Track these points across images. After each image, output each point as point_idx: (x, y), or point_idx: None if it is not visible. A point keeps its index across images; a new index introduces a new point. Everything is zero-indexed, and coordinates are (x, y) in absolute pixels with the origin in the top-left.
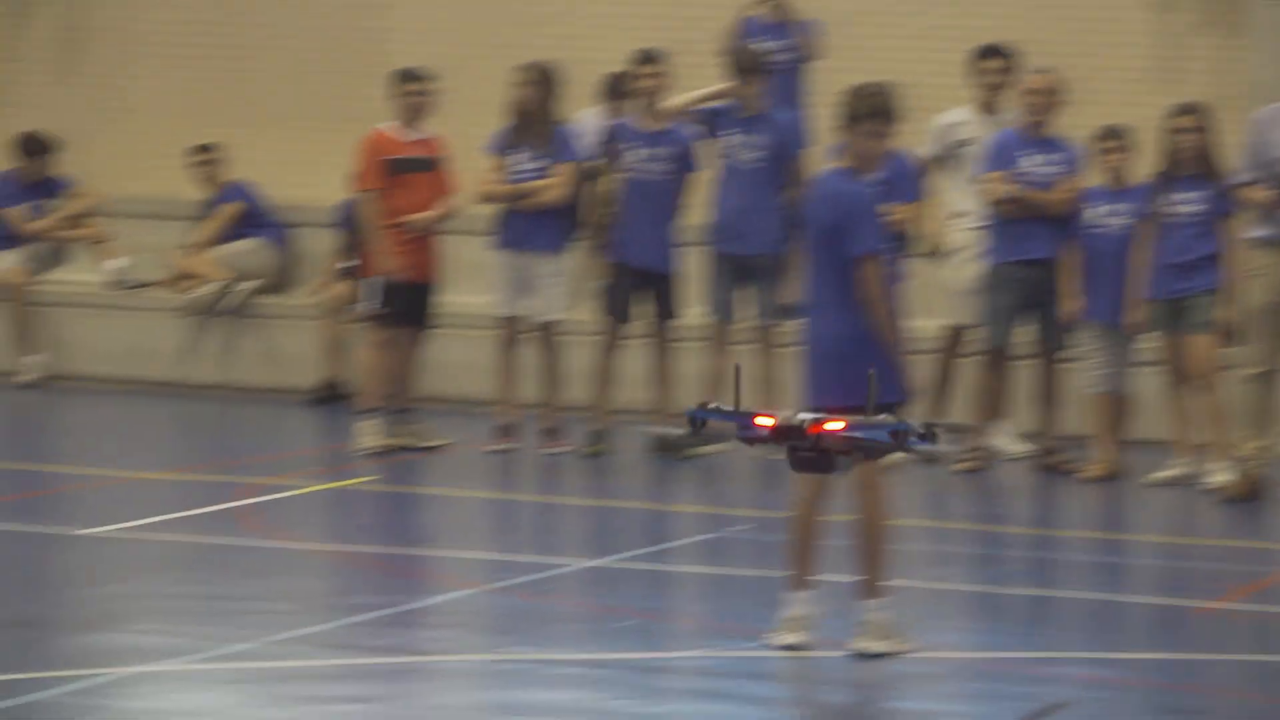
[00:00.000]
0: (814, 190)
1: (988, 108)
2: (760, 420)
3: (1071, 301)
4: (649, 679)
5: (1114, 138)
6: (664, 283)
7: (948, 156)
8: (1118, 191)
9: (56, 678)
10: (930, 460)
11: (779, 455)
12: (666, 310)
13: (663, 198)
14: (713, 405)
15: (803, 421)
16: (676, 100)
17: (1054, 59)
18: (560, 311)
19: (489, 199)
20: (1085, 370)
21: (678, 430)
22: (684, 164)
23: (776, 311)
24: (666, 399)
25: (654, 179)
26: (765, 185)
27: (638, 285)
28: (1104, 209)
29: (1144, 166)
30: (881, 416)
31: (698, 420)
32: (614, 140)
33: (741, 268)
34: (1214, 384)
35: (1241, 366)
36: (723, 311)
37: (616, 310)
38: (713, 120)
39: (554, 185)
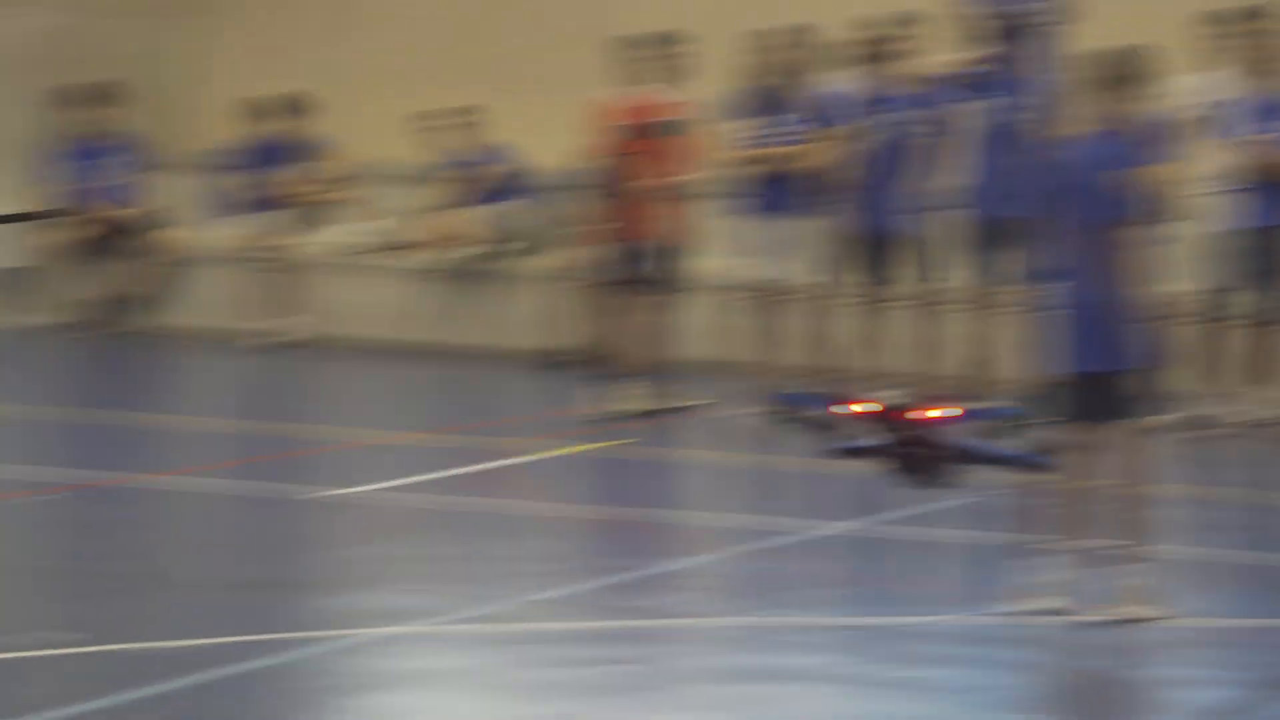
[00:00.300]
0: (1070, 154)
1: (1243, 70)
2: (860, 407)
3: None
4: (903, 644)
5: None
6: (919, 246)
7: (1202, 118)
8: None
9: (310, 638)
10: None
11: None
12: (922, 274)
13: (918, 161)
14: (807, 390)
15: (907, 406)
16: (940, 62)
17: None
18: (817, 275)
19: (748, 163)
20: None
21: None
22: (939, 127)
23: (1035, 275)
24: (928, 363)
25: (910, 142)
26: (1026, 148)
27: (892, 249)
28: None
29: None
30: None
31: (786, 404)
32: (871, 104)
33: (1002, 231)
34: None
35: None
36: (983, 275)
37: (872, 274)
38: (975, 83)
39: (815, 150)
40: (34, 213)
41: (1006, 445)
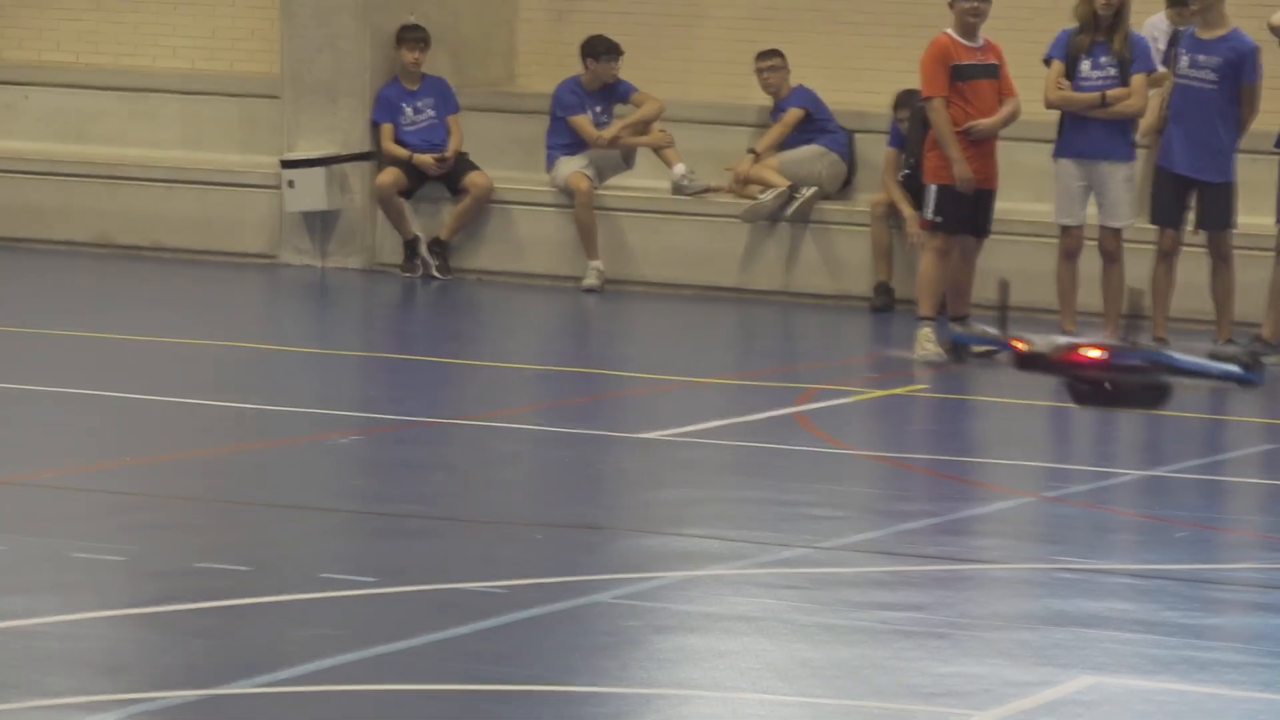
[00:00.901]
0: None
1: None
2: (1018, 344)
3: None
4: (1202, 590)
5: None
6: (1212, 191)
7: None
8: None
9: (613, 580)
10: None
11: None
12: (1215, 220)
13: (1209, 107)
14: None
15: (1057, 348)
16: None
17: None
18: (1130, 219)
19: (1059, 105)
20: None
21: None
22: (1237, 73)
23: None
24: (1223, 310)
25: (1201, 87)
26: None
27: (1185, 192)
28: None
29: None
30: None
31: (960, 344)
32: (1175, 48)
33: None
34: None
35: None
36: None
37: (1165, 217)
38: None
39: (1134, 93)
40: (349, 155)
41: (1212, 362)
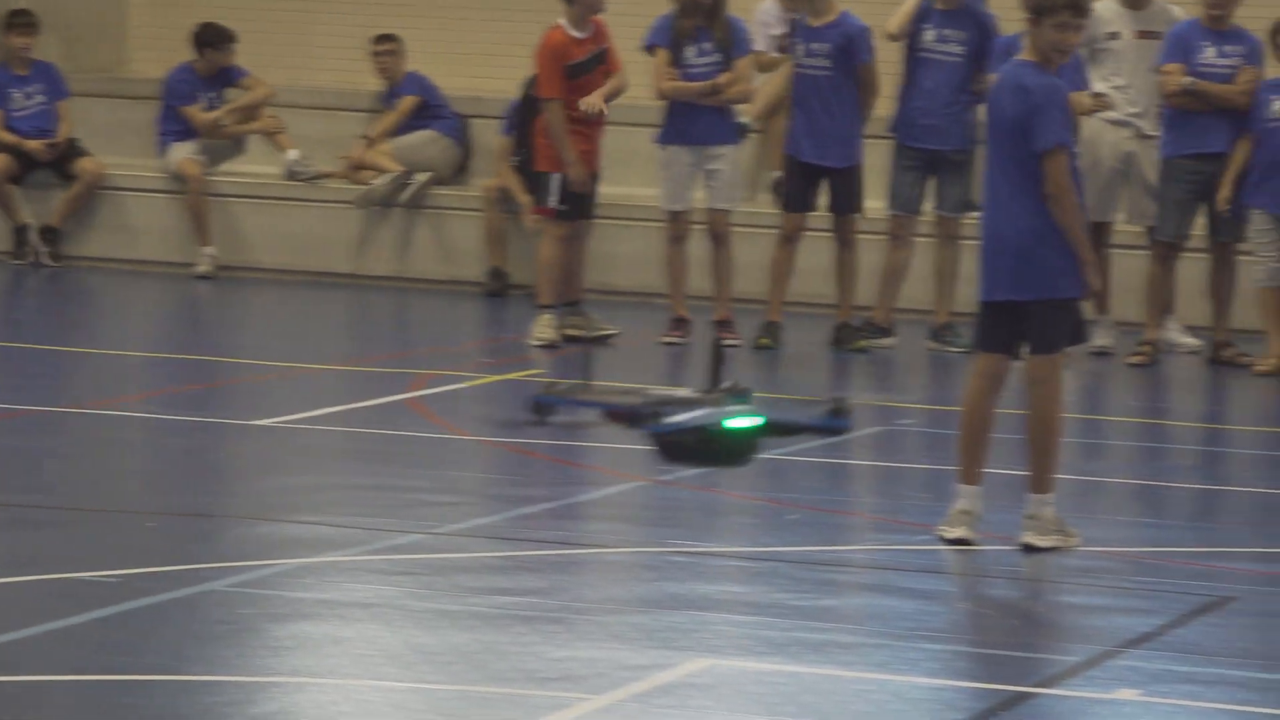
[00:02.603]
0: (1001, 83)
1: (1132, 2)
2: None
3: (1226, 190)
4: (816, 572)
5: None
6: (840, 177)
7: (1094, 49)
8: None
9: (229, 568)
10: (1100, 355)
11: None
12: (845, 204)
13: (830, 92)
14: (562, 387)
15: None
16: (895, 23)
17: None
18: (733, 203)
19: (671, 95)
20: (1256, 263)
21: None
22: (851, 59)
23: (958, 205)
24: (846, 293)
25: (819, 74)
26: (961, 80)
27: (814, 179)
28: (1276, 101)
29: None
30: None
31: (544, 406)
32: (789, 34)
33: (930, 161)
34: None
35: None
36: (907, 206)
37: (794, 203)
38: (917, 17)
39: (737, 80)
40: None
41: (804, 414)
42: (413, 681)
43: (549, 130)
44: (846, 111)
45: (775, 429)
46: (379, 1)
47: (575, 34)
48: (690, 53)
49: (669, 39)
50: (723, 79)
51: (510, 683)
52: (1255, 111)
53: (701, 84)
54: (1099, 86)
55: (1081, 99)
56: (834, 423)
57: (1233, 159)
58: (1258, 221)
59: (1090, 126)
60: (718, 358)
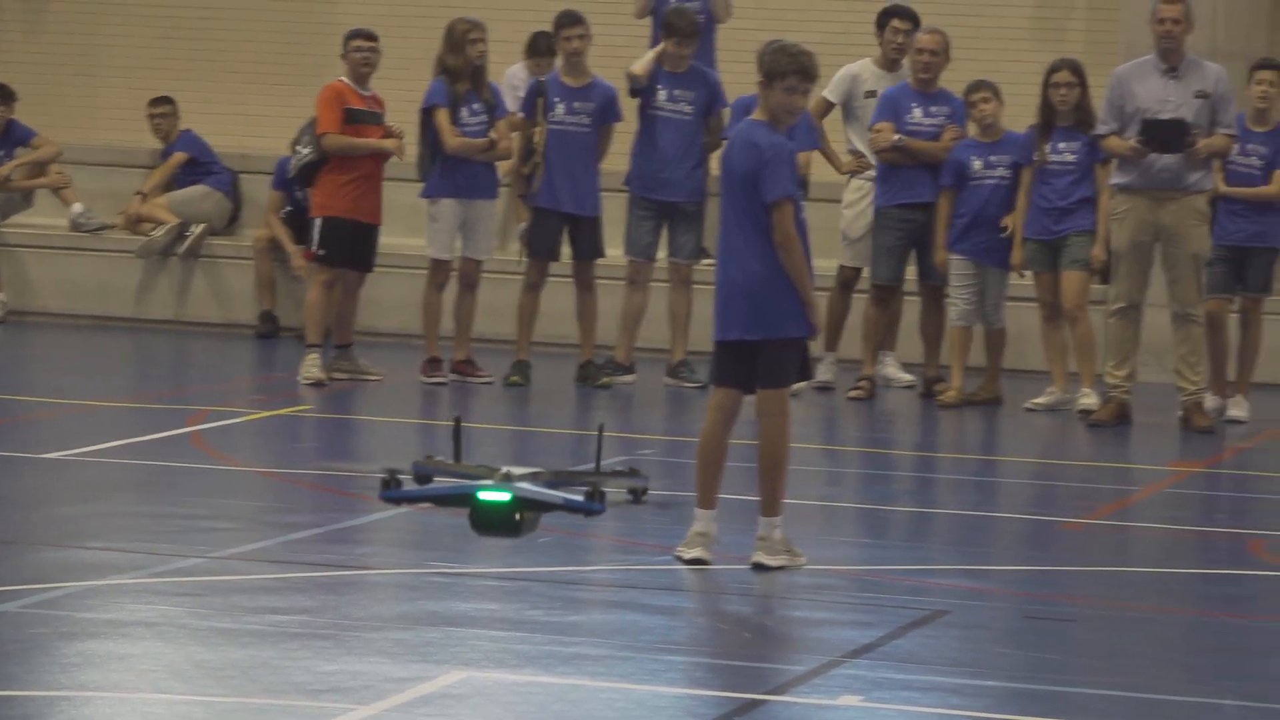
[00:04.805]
0: (734, 141)
1: (890, 64)
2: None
3: (940, 252)
4: (564, 591)
5: (984, 90)
6: (588, 225)
7: (850, 106)
8: (988, 143)
9: (19, 591)
10: (824, 390)
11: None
12: (592, 250)
13: (586, 148)
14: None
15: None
16: (639, 66)
17: (943, 19)
18: (490, 253)
19: (458, 150)
20: (951, 305)
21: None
22: (604, 116)
23: (692, 252)
24: (589, 333)
25: (578, 130)
26: (693, 137)
27: (562, 228)
28: (976, 160)
29: (1023, 117)
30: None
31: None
32: (541, 95)
33: (665, 212)
34: (1084, 317)
35: (1107, 302)
36: (644, 253)
37: (544, 251)
38: (650, 78)
39: (503, 137)
40: None
41: (558, 493)
42: (194, 694)
43: (340, 144)
44: (594, 165)
45: (529, 505)
46: (157, 66)
47: (355, 88)
48: (464, 113)
49: (447, 99)
50: (497, 134)
51: (284, 694)
52: (946, 167)
53: (483, 140)
54: (858, 145)
55: (840, 158)
56: (588, 505)
57: (938, 211)
58: (957, 267)
59: (855, 186)
60: (457, 436)
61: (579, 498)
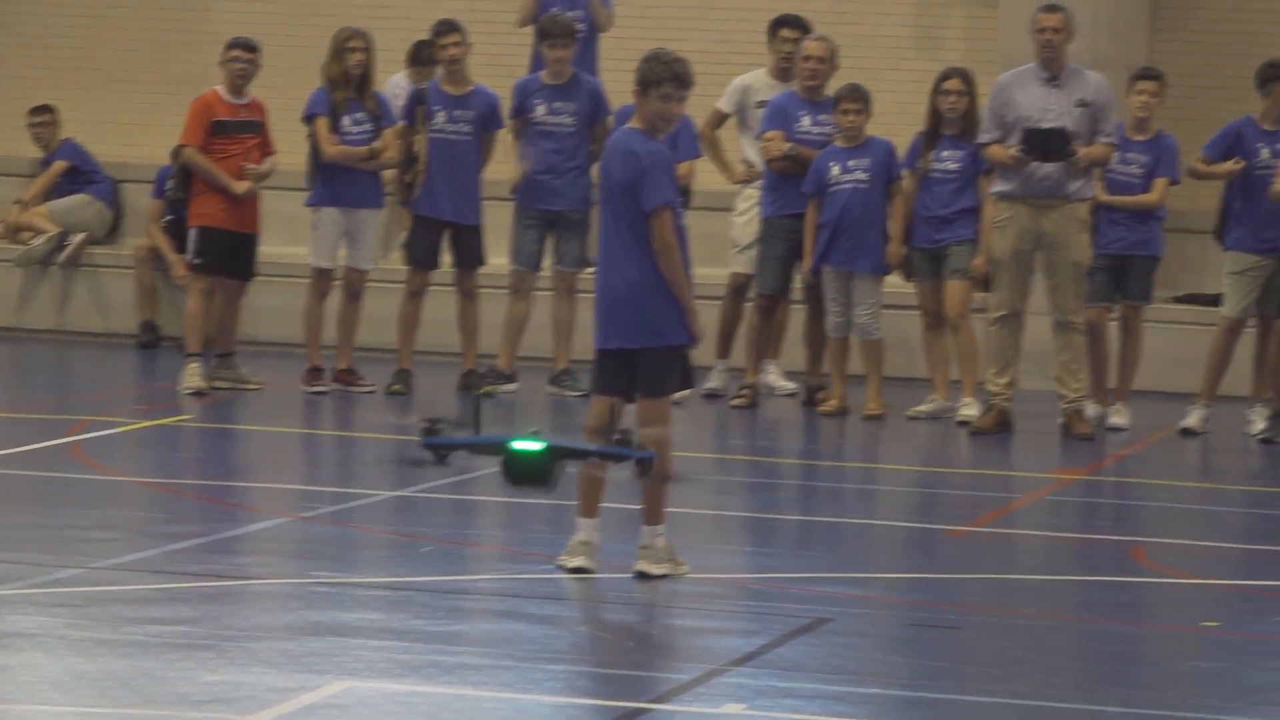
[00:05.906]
0: (611, 149)
1: (782, 73)
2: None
3: (807, 259)
4: (448, 600)
5: (854, 99)
6: (469, 234)
7: (743, 115)
8: (847, 148)
9: None
10: (712, 397)
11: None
12: (473, 259)
13: (467, 156)
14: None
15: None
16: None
17: (823, 27)
18: (374, 263)
19: (337, 159)
20: (828, 315)
21: None
22: (486, 124)
23: (576, 261)
24: (471, 342)
25: (459, 139)
26: (575, 146)
27: (443, 236)
28: (834, 165)
29: (901, 125)
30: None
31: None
32: (422, 103)
33: (549, 221)
34: (966, 326)
35: (988, 310)
36: (528, 262)
37: (424, 260)
38: (526, 87)
39: (390, 146)
40: None
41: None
42: (74, 705)
43: (195, 167)
44: (475, 173)
45: (565, 454)
46: (37, 76)
47: (228, 98)
48: (346, 122)
49: (328, 108)
50: (378, 145)
51: (166, 705)
52: (809, 176)
53: (363, 149)
54: (750, 155)
55: (735, 167)
56: (636, 454)
57: (805, 223)
58: (828, 277)
59: (746, 195)
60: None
61: (619, 449)
